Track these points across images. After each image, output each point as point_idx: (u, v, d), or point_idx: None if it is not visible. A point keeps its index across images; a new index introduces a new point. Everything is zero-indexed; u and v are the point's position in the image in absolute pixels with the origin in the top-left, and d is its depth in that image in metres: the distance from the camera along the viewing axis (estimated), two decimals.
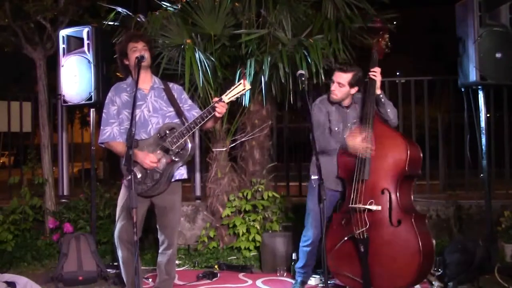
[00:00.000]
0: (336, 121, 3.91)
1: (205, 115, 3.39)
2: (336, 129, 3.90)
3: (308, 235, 3.98)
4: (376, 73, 3.78)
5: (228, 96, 3.38)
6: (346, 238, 3.69)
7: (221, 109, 3.37)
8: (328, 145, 3.83)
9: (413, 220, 3.54)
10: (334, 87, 3.84)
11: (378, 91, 3.79)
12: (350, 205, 3.70)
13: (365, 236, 3.62)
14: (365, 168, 3.65)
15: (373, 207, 3.62)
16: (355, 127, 3.85)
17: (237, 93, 3.38)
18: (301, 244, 4.06)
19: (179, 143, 3.41)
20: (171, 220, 3.65)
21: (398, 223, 3.57)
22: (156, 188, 3.47)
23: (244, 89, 3.37)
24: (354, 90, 3.86)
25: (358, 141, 3.67)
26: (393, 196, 3.61)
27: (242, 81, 3.37)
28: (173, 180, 3.54)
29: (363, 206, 3.64)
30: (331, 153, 3.85)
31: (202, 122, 3.40)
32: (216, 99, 3.41)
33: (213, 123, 3.70)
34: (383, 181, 3.65)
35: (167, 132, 3.45)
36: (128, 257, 3.57)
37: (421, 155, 3.80)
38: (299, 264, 4.12)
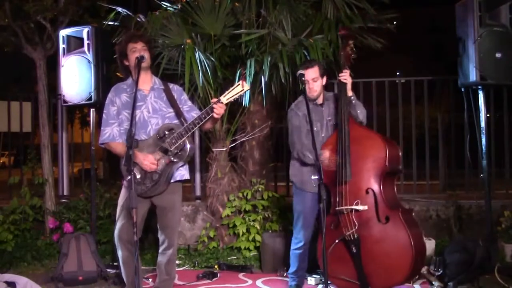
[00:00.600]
0: (314, 120, 3.90)
1: (203, 116, 3.38)
2: (315, 129, 3.88)
3: (299, 237, 3.97)
4: (346, 76, 3.81)
5: (227, 97, 3.38)
6: (337, 241, 3.69)
7: (219, 110, 3.37)
8: (303, 147, 3.85)
9: (400, 214, 3.57)
10: (311, 84, 3.87)
11: (350, 93, 3.82)
12: (336, 208, 3.71)
13: (355, 236, 3.64)
14: (346, 170, 3.67)
15: (360, 207, 3.64)
16: (328, 138, 3.87)
17: (236, 94, 3.37)
18: (292, 247, 4.04)
19: (178, 144, 3.41)
20: (171, 220, 3.65)
21: (387, 220, 3.59)
22: (155, 189, 3.47)
23: (243, 90, 3.36)
24: (324, 80, 3.93)
25: (326, 155, 3.73)
26: (378, 194, 3.63)
27: (241, 82, 3.36)
28: (173, 180, 3.54)
29: (350, 207, 3.66)
30: (306, 158, 3.84)
31: (201, 123, 3.40)
32: (215, 100, 3.40)
33: (212, 124, 3.70)
34: (367, 181, 3.67)
35: (166, 133, 3.45)
36: (128, 257, 3.57)
37: (399, 151, 3.83)
38: (292, 269, 4.07)
